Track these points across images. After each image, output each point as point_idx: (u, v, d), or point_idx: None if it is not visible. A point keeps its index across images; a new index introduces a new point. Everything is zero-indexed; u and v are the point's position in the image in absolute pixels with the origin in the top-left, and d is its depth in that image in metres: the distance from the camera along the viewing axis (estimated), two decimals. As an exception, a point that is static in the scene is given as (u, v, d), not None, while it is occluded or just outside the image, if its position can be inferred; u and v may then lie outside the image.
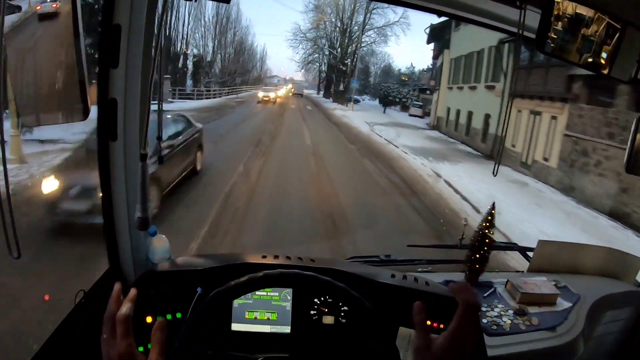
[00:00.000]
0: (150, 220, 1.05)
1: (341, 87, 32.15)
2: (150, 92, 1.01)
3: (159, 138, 1.08)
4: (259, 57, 43.62)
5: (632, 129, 1.42)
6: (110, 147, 1.04)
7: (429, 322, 1.07)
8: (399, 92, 33.42)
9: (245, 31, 37.70)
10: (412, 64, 40.13)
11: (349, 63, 34.46)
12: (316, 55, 39.44)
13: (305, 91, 44.15)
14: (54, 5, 0.85)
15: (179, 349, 0.78)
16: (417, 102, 31.32)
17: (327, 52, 38.07)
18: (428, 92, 30.55)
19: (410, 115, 28.99)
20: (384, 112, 29.83)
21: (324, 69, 40.62)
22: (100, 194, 1.09)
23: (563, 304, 1.32)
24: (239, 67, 35.49)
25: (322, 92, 42.44)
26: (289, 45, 45.91)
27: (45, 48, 0.95)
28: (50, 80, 0.96)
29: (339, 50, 36.38)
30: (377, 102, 36.95)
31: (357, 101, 29.79)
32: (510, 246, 1.60)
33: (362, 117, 22.19)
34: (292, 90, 41.40)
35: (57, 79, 0.95)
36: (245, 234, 4.45)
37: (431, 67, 31.87)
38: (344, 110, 26.54)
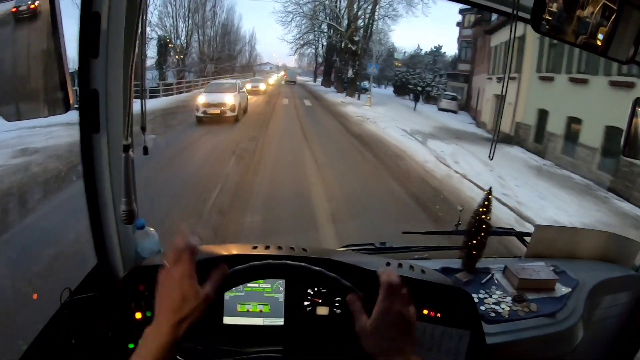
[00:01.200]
0: (137, 213, 1.03)
1: (350, 74, 24.52)
2: (131, 81, 0.99)
3: (143, 128, 1.05)
4: (248, 41, 38.09)
5: (629, 112, 1.41)
6: (93, 139, 1.02)
7: (425, 311, 1.06)
8: (421, 78, 25.84)
9: (230, 11, 32.96)
10: (438, 45, 31.12)
11: (359, 41, 25.35)
12: (312, 37, 32.18)
13: (299, 78, 41.19)
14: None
15: None
16: (448, 93, 24.37)
17: (326, 30, 30.28)
18: (461, 79, 24.80)
19: (441, 109, 22.44)
20: (415, 108, 21.77)
21: (321, 52, 33.87)
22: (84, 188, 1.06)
23: (562, 289, 1.30)
24: (223, 53, 30.28)
25: (319, 80, 37.19)
26: (279, 20, 39.02)
27: (24, 41, 0.92)
28: (31, 74, 0.94)
29: (344, 23, 27.15)
30: (385, 89, 31.23)
31: (365, 90, 24.11)
32: (508, 231, 1.58)
33: (389, 117, 14.98)
34: (285, 77, 38.28)
35: (38, 71, 0.93)
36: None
37: (463, 46, 25.25)
38: (358, 105, 19.21)
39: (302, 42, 32.79)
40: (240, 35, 34.88)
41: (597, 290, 1.35)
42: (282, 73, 41.94)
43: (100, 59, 0.96)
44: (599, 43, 0.88)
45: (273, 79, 36.66)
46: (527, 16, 0.88)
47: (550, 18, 0.85)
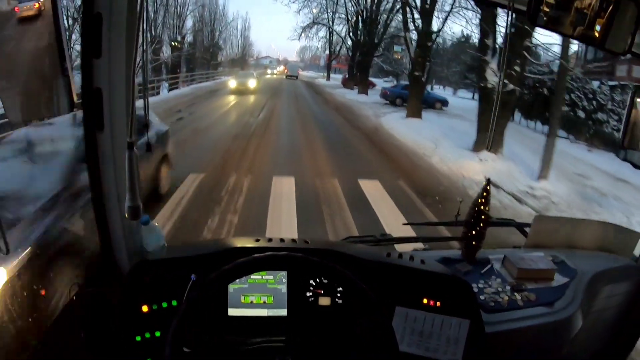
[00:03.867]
0: (141, 209, 1.05)
1: (417, 72, 13.00)
2: (134, 80, 1.01)
3: (146, 126, 1.07)
4: (240, 30, 31.12)
5: (628, 103, 1.42)
6: (97, 138, 1.04)
7: (425, 300, 1.09)
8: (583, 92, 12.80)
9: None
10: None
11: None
12: (325, 15, 24.25)
13: (303, 73, 35.31)
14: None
15: (172, 336, 0.78)
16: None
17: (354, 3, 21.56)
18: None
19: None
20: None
21: (344, 36, 24.47)
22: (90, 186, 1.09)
23: (560, 279, 1.32)
24: (203, 45, 24.17)
25: (335, 77, 27.66)
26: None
27: (28, 42, 0.94)
28: (35, 74, 0.96)
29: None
30: (450, 93, 23.04)
31: (439, 101, 18.00)
32: (507, 222, 1.60)
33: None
34: (285, 72, 33.30)
35: (41, 72, 0.95)
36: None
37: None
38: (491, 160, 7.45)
39: (312, 22, 24.27)
40: (226, 20, 27.42)
41: (595, 280, 1.36)
42: (282, 67, 36.93)
43: (103, 58, 0.98)
44: (596, 35, 0.88)
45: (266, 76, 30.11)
46: (524, 8, 0.89)
47: (547, 10, 0.85)
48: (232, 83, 19.65)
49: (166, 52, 21.41)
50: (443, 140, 9.46)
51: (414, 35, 14.35)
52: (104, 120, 1.02)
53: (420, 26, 13.26)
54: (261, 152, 7.47)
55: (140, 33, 0.95)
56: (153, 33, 19.98)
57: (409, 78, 13.82)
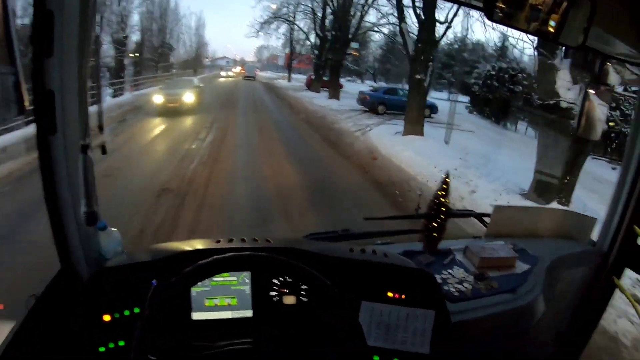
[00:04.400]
0: (98, 214, 1.02)
1: (418, 75, 9.78)
2: (87, 81, 0.99)
3: (100, 127, 1.05)
4: (194, 28, 27.28)
5: (582, 94, 1.49)
6: (50, 141, 1.01)
7: (390, 294, 1.10)
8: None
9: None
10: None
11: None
12: (285, 10, 21.45)
13: (261, 74, 33.22)
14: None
15: (136, 345, 0.77)
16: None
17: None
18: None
19: None
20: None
21: (307, 34, 22.02)
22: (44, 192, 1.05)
23: (522, 266, 1.36)
24: (152, 45, 20.72)
25: (297, 78, 25.62)
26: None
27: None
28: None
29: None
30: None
31: (384, 105, 15.17)
32: (467, 213, 1.64)
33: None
34: (243, 73, 31.15)
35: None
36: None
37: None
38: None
39: (271, 17, 21.42)
40: (177, 17, 23.75)
41: (555, 266, 1.41)
42: (239, 68, 34.54)
43: (54, 58, 0.95)
44: (550, 30, 0.91)
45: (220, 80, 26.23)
46: (480, 5, 0.90)
47: (503, 6, 0.88)
48: (158, 98, 12.50)
49: (108, 52, 17.45)
50: (482, 181, 6.51)
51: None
52: (56, 123, 1.00)
53: (422, 15, 9.72)
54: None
55: (93, 31, 0.94)
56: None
57: (409, 82, 10.50)
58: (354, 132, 10.79)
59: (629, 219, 1.43)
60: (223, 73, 31.40)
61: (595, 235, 1.55)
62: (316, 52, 21.99)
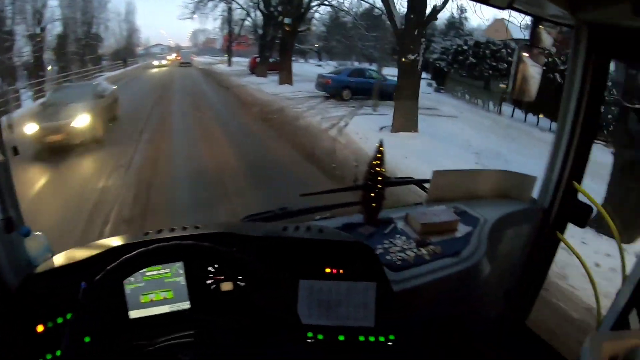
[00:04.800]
0: (18, 220, 0.98)
1: (410, 55, 7.55)
2: None
3: (10, 126, 0.95)
4: (124, 14, 24.70)
5: (515, 57, 1.49)
6: None
7: (327, 270, 1.06)
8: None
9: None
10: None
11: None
12: None
13: (198, 59, 30.90)
14: None
15: (67, 351, 0.73)
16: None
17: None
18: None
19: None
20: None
21: (245, 7, 19.84)
22: None
23: (464, 229, 1.36)
24: (75, 36, 18.31)
25: (239, 62, 23.38)
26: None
27: None
28: None
29: None
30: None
31: (349, 89, 12.91)
32: (406, 180, 1.63)
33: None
34: (179, 59, 29.04)
35: None
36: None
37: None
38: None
39: None
40: (103, 2, 20.72)
41: (498, 225, 1.42)
42: (174, 55, 31.48)
43: None
44: None
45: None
46: None
47: None
48: (30, 129, 5.89)
49: (24, 49, 14.65)
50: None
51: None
52: None
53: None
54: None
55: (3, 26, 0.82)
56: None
57: (398, 64, 8.29)
58: (328, 130, 8.27)
59: (567, 176, 1.46)
60: (155, 62, 27.82)
61: (535, 194, 1.58)
62: (260, 31, 19.60)
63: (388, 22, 8.73)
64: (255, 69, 19.42)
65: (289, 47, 16.49)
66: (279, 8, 17.23)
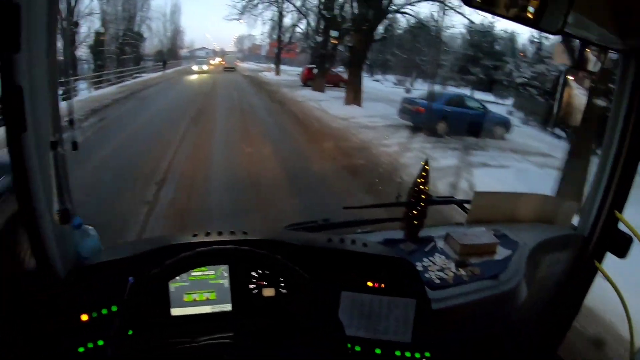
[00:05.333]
0: (72, 212, 1.01)
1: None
2: (56, 76, 0.97)
3: (71, 122, 1.04)
4: (169, 15, 23.93)
5: (561, 83, 1.50)
6: (21, 139, 0.99)
7: (370, 283, 1.10)
8: None
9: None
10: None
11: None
12: None
13: (242, 65, 29.85)
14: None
15: (114, 343, 0.77)
16: None
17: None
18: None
19: None
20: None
21: (302, 11, 17.13)
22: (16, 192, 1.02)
23: (503, 252, 1.37)
24: (117, 34, 17.25)
25: (288, 70, 21.89)
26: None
27: None
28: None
29: None
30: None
31: (446, 122, 9.84)
32: (448, 200, 1.65)
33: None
34: (223, 64, 27.53)
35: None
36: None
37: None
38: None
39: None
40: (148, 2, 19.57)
41: (537, 250, 1.42)
42: (218, 60, 29.61)
43: (22, 53, 0.93)
44: (529, 15, 0.90)
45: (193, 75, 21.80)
46: None
47: None
48: None
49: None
50: None
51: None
52: (26, 120, 0.98)
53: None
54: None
55: (60, 22, 0.92)
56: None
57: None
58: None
59: (609, 204, 1.44)
60: (195, 67, 24.29)
61: (576, 220, 1.56)
62: (318, 38, 16.38)
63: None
64: (309, 81, 17.07)
65: (359, 59, 13.20)
66: (358, 9, 13.73)
